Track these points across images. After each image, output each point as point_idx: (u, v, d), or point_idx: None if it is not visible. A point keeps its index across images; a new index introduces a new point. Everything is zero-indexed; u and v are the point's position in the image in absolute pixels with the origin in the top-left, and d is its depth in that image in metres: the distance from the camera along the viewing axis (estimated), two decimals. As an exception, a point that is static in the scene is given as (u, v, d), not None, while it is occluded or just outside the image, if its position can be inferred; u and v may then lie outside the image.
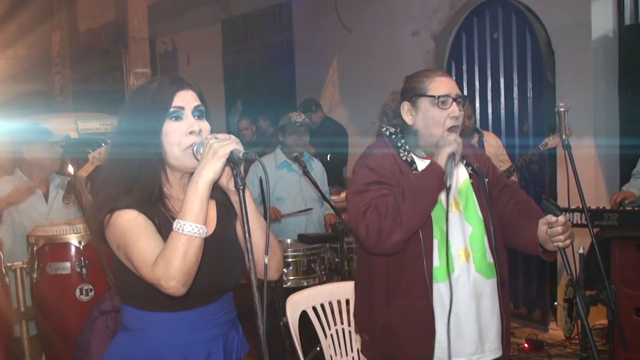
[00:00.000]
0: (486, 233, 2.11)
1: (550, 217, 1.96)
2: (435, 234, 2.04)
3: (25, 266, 3.38)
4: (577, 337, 2.93)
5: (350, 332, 2.72)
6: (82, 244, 3.28)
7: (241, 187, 1.48)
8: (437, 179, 1.99)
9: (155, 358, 1.62)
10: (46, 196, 3.69)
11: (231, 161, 1.49)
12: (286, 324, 2.59)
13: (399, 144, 2.13)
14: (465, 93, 5.31)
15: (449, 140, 2.02)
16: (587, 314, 2.15)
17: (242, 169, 1.50)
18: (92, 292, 3.26)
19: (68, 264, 3.27)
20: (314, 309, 2.66)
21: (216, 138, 1.51)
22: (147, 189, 1.60)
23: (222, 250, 1.67)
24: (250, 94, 8.22)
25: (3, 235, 3.49)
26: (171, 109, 1.60)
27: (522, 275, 5.00)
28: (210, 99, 1.67)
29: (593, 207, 3.63)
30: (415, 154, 2.14)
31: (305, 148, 4.28)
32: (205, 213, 1.50)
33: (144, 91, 1.66)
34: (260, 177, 3.84)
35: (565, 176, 3.08)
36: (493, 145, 4.58)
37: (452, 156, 2.01)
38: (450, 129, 2.06)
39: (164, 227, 1.57)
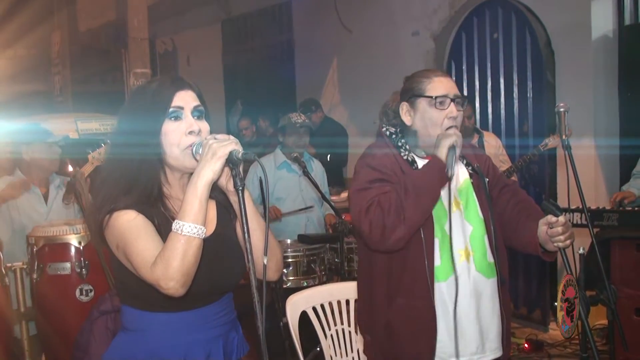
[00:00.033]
0: (486, 233, 2.10)
1: (551, 218, 1.96)
2: (437, 233, 2.04)
3: (25, 267, 3.37)
4: (577, 337, 2.92)
5: (350, 332, 2.72)
6: (82, 244, 3.28)
7: (240, 188, 1.49)
8: (439, 172, 1.99)
9: (155, 358, 1.62)
10: (46, 197, 3.68)
11: (230, 162, 1.49)
12: (286, 325, 2.59)
13: (400, 144, 2.13)
14: (465, 93, 5.32)
15: (448, 133, 2.03)
16: (587, 314, 2.15)
17: (241, 169, 1.50)
18: (92, 293, 3.26)
19: (68, 265, 3.27)
20: (314, 309, 2.66)
21: (215, 138, 1.51)
22: (147, 189, 1.60)
23: (222, 250, 1.67)
24: (250, 94, 8.22)
25: (3, 235, 3.49)
26: (170, 109, 1.60)
27: (522, 275, 5.00)
28: (210, 99, 1.67)
29: (593, 207, 3.63)
30: (415, 154, 2.14)
31: (305, 149, 4.28)
32: (205, 213, 1.50)
33: (143, 91, 1.66)
34: (260, 177, 3.84)
35: (565, 176, 3.07)
36: (493, 145, 4.57)
37: (452, 148, 2.01)
38: (448, 130, 2.06)
39: (163, 227, 1.57)
